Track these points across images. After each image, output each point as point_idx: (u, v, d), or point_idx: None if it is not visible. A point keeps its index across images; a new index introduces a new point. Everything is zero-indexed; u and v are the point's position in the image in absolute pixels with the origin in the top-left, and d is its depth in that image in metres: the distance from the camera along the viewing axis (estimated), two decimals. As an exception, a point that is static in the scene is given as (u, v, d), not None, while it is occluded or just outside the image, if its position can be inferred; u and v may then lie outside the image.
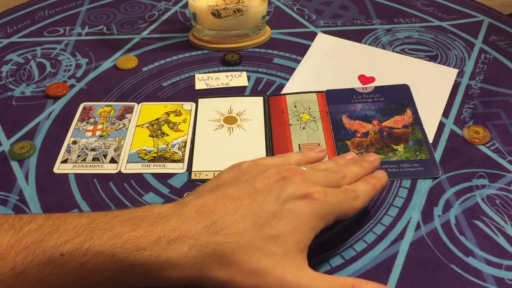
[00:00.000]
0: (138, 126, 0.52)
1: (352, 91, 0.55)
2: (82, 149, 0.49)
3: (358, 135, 0.50)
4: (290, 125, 0.51)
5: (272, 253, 0.32)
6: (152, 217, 0.33)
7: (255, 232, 0.32)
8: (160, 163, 0.48)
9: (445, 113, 0.53)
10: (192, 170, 0.47)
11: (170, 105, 0.55)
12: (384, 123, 0.51)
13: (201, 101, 0.55)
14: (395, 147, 0.48)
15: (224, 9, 0.59)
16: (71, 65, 0.62)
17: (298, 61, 0.61)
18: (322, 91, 0.56)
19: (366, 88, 0.56)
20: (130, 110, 0.54)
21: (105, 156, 0.49)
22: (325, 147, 0.45)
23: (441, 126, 0.51)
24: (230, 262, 0.31)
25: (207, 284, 0.32)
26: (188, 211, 0.33)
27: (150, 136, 0.51)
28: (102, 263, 0.30)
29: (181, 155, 0.49)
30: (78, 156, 0.49)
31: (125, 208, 0.34)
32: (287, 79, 0.58)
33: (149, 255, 0.31)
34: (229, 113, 0.53)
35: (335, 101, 0.54)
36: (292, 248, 0.32)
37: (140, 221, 0.32)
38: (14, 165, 0.48)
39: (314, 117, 0.52)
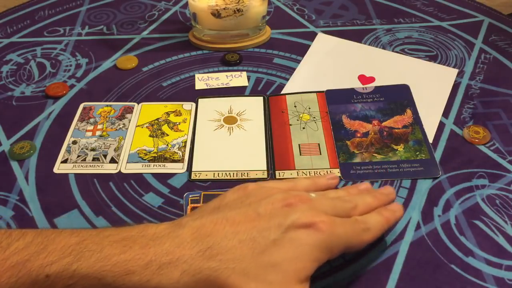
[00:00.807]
0: (138, 126, 0.52)
1: (352, 91, 0.55)
2: (82, 149, 0.49)
3: (358, 135, 0.50)
4: (290, 125, 0.51)
5: (270, 282, 0.30)
6: (145, 238, 0.31)
7: (252, 259, 0.30)
8: (160, 163, 0.48)
9: (445, 113, 0.53)
10: (192, 170, 0.47)
11: (170, 105, 0.55)
12: (384, 123, 0.51)
13: (201, 101, 0.55)
14: (395, 147, 0.48)
15: (224, 9, 0.59)
16: (71, 65, 0.62)
17: (298, 61, 0.61)
18: (322, 91, 0.56)
19: (366, 88, 0.56)
20: (130, 110, 0.54)
21: (105, 156, 0.49)
22: (337, 174, 0.43)
23: (441, 126, 0.51)
24: None
25: None
26: (184, 233, 0.32)
27: (150, 136, 0.51)
28: (89, 286, 0.29)
29: (181, 155, 0.49)
30: (78, 156, 0.49)
31: (120, 226, 0.33)
32: (287, 79, 0.58)
33: (139, 280, 0.29)
34: (229, 113, 0.53)
35: (335, 101, 0.54)
36: (291, 277, 0.31)
37: (132, 242, 0.31)
38: (14, 165, 0.48)
39: (314, 117, 0.52)
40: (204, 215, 0.34)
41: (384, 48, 0.63)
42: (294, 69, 0.60)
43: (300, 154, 0.48)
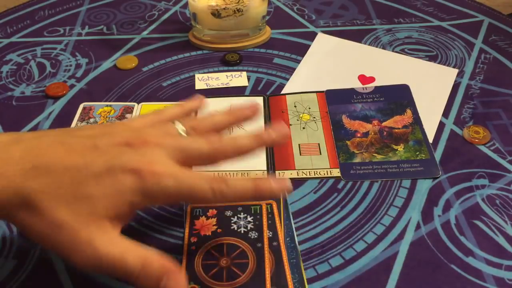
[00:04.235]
0: (138, 126, 0.52)
1: (352, 91, 0.55)
2: (82, 149, 0.49)
3: (358, 135, 0.50)
4: (290, 125, 0.51)
5: (78, 212, 0.31)
6: None
7: (70, 188, 0.31)
8: (160, 163, 0.48)
9: (445, 113, 0.53)
10: (192, 170, 0.47)
11: (170, 105, 0.55)
12: (384, 123, 0.51)
13: (201, 101, 0.55)
14: (395, 147, 0.48)
15: (224, 9, 0.59)
16: (71, 65, 0.62)
17: (298, 61, 0.61)
18: (322, 91, 0.56)
19: (366, 88, 0.56)
20: (130, 110, 0.54)
21: (105, 156, 0.48)
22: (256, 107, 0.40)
23: (441, 126, 0.51)
24: (37, 209, 0.30)
25: (12, 222, 0.32)
26: (16, 150, 0.31)
27: (150, 136, 0.51)
28: None
29: (181, 155, 0.48)
30: (78, 156, 0.48)
31: None
32: (287, 79, 0.58)
33: None
34: (229, 113, 0.53)
35: (335, 101, 0.54)
36: (99, 213, 0.31)
37: None
38: (14, 165, 0.48)
39: (314, 117, 0.52)
40: (49, 135, 0.34)
41: (384, 48, 0.63)
42: (294, 69, 0.60)
43: (300, 154, 0.48)
